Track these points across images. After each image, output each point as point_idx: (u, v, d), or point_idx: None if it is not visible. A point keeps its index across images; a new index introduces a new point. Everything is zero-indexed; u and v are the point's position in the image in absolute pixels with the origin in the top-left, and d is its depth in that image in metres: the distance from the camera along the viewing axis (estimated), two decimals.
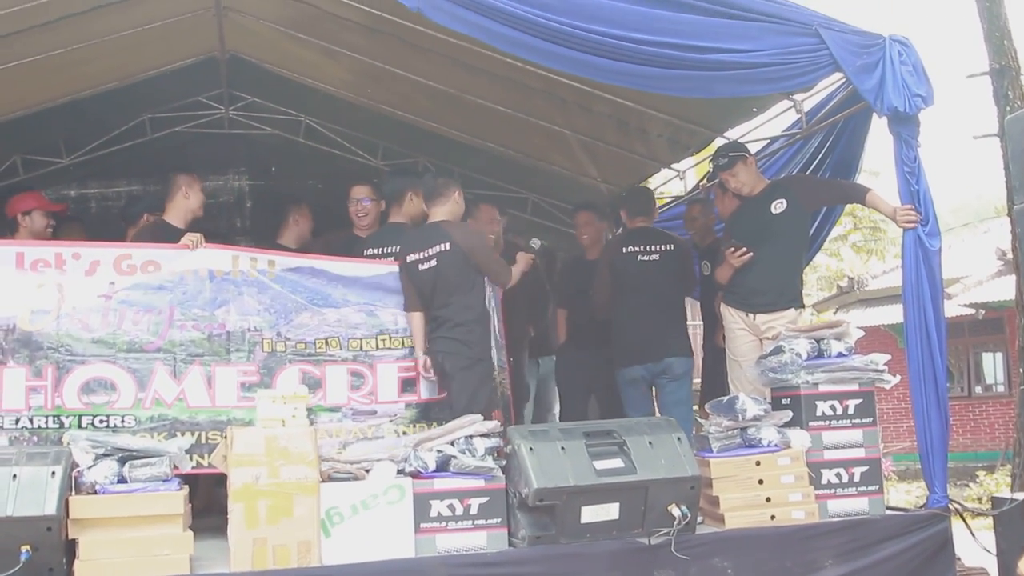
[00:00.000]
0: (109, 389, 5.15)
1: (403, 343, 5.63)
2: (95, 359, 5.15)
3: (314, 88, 7.35)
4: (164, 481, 4.28)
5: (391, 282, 5.67)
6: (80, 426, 5.03)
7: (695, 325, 7.38)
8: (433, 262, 5.53)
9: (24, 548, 3.90)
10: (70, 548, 4.10)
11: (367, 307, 5.58)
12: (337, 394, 5.44)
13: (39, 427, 5.03)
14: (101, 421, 5.07)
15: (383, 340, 5.59)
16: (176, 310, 5.28)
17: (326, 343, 5.47)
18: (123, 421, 5.10)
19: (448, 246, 5.50)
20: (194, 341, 5.29)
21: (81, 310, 5.17)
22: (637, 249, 6.51)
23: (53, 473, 4.06)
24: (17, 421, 5.01)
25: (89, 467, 4.22)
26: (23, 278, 5.13)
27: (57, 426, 5.04)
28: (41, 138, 7.40)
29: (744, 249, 5.77)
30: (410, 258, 5.63)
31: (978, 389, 19.51)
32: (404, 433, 5.42)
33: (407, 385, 5.60)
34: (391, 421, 5.51)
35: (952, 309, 15.15)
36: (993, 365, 19.55)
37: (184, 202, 5.98)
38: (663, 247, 6.53)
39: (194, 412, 5.21)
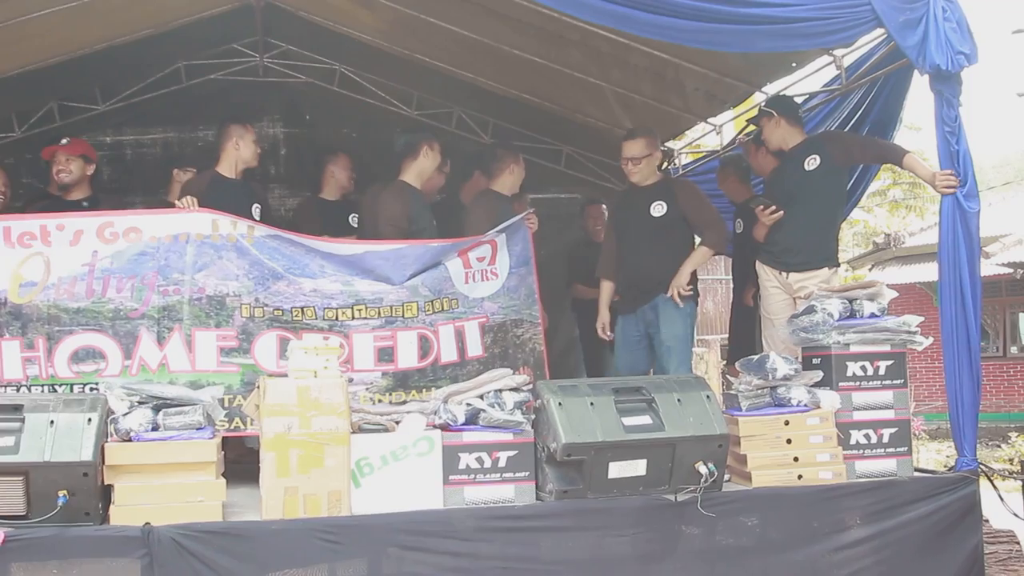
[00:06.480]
0: (97, 358, 5.17)
1: (379, 313, 5.53)
2: (82, 328, 5.17)
3: (349, 37, 7.30)
4: (198, 429, 4.33)
5: (367, 261, 5.58)
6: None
7: (726, 280, 7.53)
8: None
9: (61, 493, 3.97)
10: (106, 493, 4.18)
11: (343, 278, 5.50)
12: None
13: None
14: (92, 390, 5.07)
15: (359, 310, 5.50)
16: (158, 276, 5.25)
17: (302, 312, 5.40)
18: None
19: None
20: (175, 306, 5.25)
21: (67, 280, 5.17)
22: None
23: (89, 420, 4.12)
24: (17, 390, 5.07)
25: (124, 414, 4.27)
26: (11, 253, 5.15)
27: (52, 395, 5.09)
28: (77, 85, 7.42)
29: (774, 207, 5.73)
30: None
31: (1013, 349, 19.29)
32: (379, 401, 5.41)
33: (383, 354, 5.53)
34: (367, 389, 5.44)
35: (990, 268, 14.95)
36: None
37: (234, 152, 5.93)
38: None
39: (174, 377, 5.16)
